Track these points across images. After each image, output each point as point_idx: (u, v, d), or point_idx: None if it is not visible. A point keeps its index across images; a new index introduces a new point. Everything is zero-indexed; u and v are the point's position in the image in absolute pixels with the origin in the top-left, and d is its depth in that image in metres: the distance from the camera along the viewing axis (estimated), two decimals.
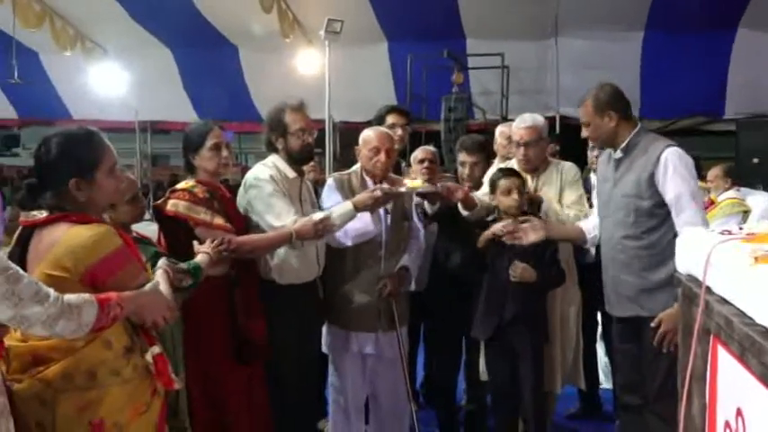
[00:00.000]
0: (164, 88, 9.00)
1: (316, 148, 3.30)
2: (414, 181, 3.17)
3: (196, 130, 2.90)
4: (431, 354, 3.95)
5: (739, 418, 1.33)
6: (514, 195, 3.15)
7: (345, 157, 5.43)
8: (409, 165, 3.85)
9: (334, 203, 3.06)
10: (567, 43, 7.66)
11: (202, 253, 2.58)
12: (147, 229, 2.93)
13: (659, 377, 2.68)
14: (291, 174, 3.06)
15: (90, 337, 1.83)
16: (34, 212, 1.93)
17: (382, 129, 3.33)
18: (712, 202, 4.65)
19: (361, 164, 3.27)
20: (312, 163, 3.37)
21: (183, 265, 2.43)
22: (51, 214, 1.91)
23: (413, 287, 3.38)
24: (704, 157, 5.12)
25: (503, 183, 3.18)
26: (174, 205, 2.77)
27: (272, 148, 3.09)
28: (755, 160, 7.04)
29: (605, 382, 4.35)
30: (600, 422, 4.07)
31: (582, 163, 3.75)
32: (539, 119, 3.47)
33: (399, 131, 3.62)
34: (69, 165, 1.93)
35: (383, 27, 7.92)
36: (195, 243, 2.66)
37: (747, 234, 1.61)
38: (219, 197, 2.88)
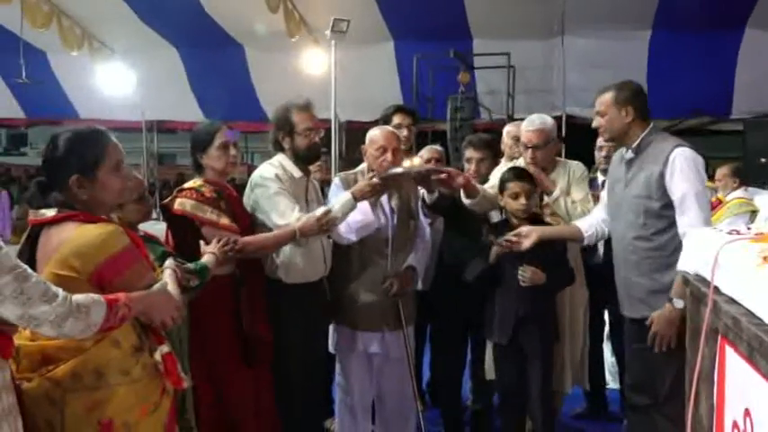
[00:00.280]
0: (170, 88, 9.01)
1: (322, 148, 3.31)
2: (412, 161, 3.14)
3: (204, 130, 2.92)
4: (436, 353, 3.95)
5: (747, 419, 1.33)
6: (522, 200, 3.13)
7: (351, 157, 5.44)
8: None
9: None
10: (573, 43, 7.62)
11: (209, 253, 2.60)
12: (155, 228, 2.95)
13: (670, 378, 2.67)
14: (298, 173, 3.06)
15: (99, 337, 1.83)
16: (42, 211, 1.93)
17: (389, 128, 3.33)
18: (720, 202, 4.64)
19: (367, 163, 3.27)
20: (318, 163, 3.37)
21: (191, 266, 2.45)
22: (59, 212, 1.91)
23: (419, 286, 3.38)
24: (711, 156, 5.09)
25: (512, 186, 3.16)
26: (181, 204, 2.78)
27: (279, 148, 3.10)
28: (763, 160, 7.00)
29: (612, 383, 4.35)
30: (606, 422, 4.06)
31: (588, 163, 3.73)
32: (548, 120, 3.41)
33: (405, 131, 3.62)
34: (71, 162, 1.92)
35: (389, 27, 7.90)
36: (202, 243, 2.68)
37: (756, 234, 1.61)
38: (227, 196, 2.89)
